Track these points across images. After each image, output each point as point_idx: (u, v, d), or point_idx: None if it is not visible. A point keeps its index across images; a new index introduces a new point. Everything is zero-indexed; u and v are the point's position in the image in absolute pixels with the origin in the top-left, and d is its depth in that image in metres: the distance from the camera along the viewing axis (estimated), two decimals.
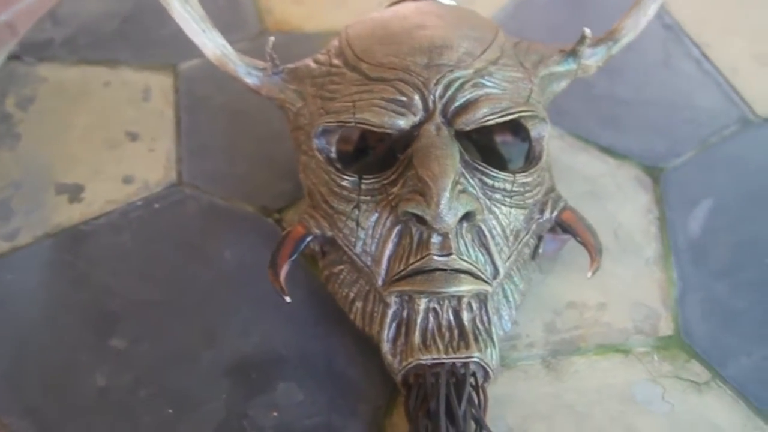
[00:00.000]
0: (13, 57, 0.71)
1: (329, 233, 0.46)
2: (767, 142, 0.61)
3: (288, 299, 0.45)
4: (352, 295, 0.47)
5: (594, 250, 0.47)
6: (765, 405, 0.46)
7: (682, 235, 0.55)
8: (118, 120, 0.64)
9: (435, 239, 0.43)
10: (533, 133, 0.47)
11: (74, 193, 0.59)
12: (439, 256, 0.43)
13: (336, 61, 0.49)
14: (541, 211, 0.48)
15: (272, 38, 0.49)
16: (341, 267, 0.47)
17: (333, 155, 0.47)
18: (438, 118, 0.44)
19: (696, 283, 0.52)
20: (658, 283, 0.52)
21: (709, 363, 0.49)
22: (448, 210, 0.41)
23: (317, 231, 0.47)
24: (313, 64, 0.51)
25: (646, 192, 0.57)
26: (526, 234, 0.47)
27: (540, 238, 0.49)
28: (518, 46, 0.51)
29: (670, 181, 0.58)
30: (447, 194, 0.41)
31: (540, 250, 0.50)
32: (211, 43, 0.49)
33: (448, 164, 0.42)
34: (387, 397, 0.47)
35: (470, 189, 0.44)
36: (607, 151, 0.60)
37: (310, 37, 0.70)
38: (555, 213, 0.48)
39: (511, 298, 0.47)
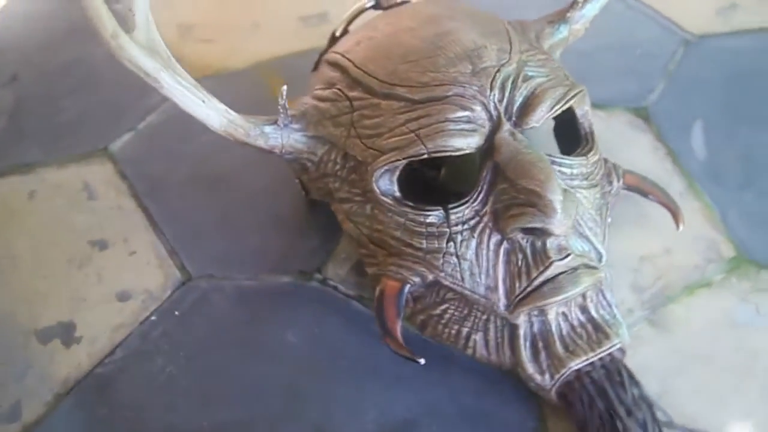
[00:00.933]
0: None
1: (429, 276, 0.42)
2: (713, 55, 0.65)
3: (422, 361, 0.41)
4: (465, 330, 0.43)
5: (673, 204, 0.47)
6: None
7: (694, 161, 0.57)
8: (70, 231, 0.54)
9: (551, 245, 0.41)
10: (578, 111, 0.46)
11: (65, 334, 0.49)
12: (560, 260, 0.41)
13: (355, 93, 0.44)
14: (610, 182, 0.47)
15: (285, 87, 0.43)
16: (444, 306, 0.43)
17: (398, 194, 0.43)
18: (506, 123, 0.41)
19: (728, 200, 0.55)
20: (700, 212, 0.54)
21: None
22: (565, 213, 0.39)
23: (415, 279, 0.42)
24: (321, 104, 0.45)
25: (644, 133, 0.59)
26: (606, 209, 0.46)
27: (609, 208, 0.49)
28: (514, 28, 0.49)
29: (658, 116, 0.60)
30: (560, 197, 0.39)
31: (609, 220, 0.49)
32: (215, 113, 0.42)
33: (547, 167, 0.40)
34: (536, 418, 0.44)
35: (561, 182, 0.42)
36: (595, 106, 0.60)
37: (240, 74, 0.63)
38: (620, 180, 0.47)
39: (606, 274, 0.46)
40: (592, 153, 0.45)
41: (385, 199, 0.42)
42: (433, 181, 0.51)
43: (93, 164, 0.57)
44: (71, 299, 0.50)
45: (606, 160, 0.48)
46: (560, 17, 0.50)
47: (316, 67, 0.53)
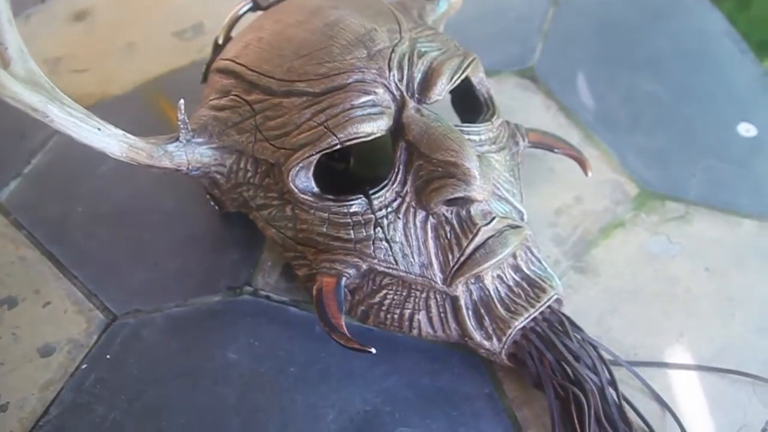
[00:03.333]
0: None
1: (364, 266, 0.42)
2: (581, 9, 0.68)
3: (373, 350, 0.40)
4: (407, 312, 0.43)
5: (578, 153, 0.49)
6: (727, 204, 0.54)
7: (585, 112, 0.60)
8: None
9: (475, 212, 0.42)
10: (474, 79, 0.47)
11: None
12: (486, 224, 0.42)
13: (253, 97, 0.43)
14: (516, 143, 0.48)
15: (182, 101, 0.41)
16: (383, 293, 0.43)
17: (316, 190, 0.42)
18: (411, 101, 0.42)
19: (622, 143, 0.58)
20: (600, 158, 0.57)
21: (677, 196, 0.55)
22: (483, 179, 0.40)
23: (350, 271, 0.42)
24: (220, 113, 0.44)
25: (534, 92, 0.61)
26: (518, 169, 0.48)
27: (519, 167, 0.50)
28: (397, 7, 0.50)
29: (544, 74, 0.62)
30: (477, 164, 0.40)
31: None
32: (113, 140, 0.40)
33: (459, 137, 0.40)
34: (490, 383, 0.45)
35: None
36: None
37: (124, 99, 0.60)
38: (525, 139, 0.49)
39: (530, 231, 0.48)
40: (495, 117, 0.46)
41: (304, 197, 0.42)
42: (344, 173, 0.51)
43: None
44: None
45: (508, 122, 0.49)
46: None
47: (205, 79, 0.51)
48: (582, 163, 0.49)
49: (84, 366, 0.46)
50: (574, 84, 0.62)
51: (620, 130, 0.59)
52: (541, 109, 0.60)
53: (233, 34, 0.52)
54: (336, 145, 0.40)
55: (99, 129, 0.39)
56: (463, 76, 0.44)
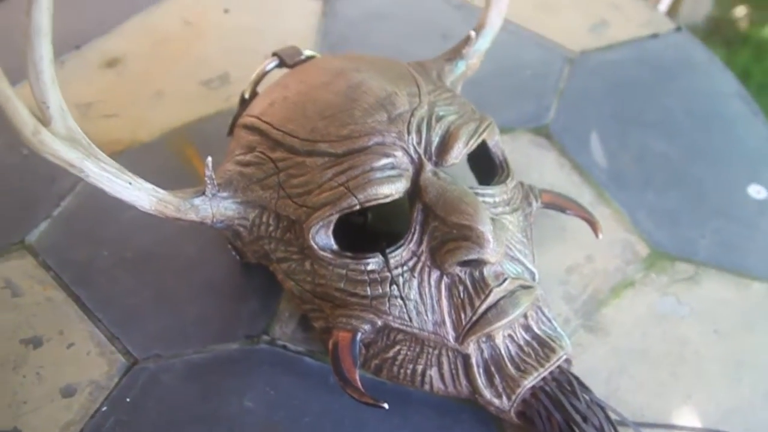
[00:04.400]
0: None
1: (379, 322, 0.43)
2: (595, 69, 0.70)
3: (386, 405, 0.42)
4: (420, 367, 0.45)
5: (590, 215, 0.51)
6: (737, 266, 0.55)
7: (597, 171, 0.61)
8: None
9: (488, 273, 0.43)
10: (490, 142, 0.49)
11: None
12: (498, 285, 0.43)
13: (277, 155, 0.45)
14: (529, 204, 0.50)
15: (210, 158, 0.43)
16: (397, 348, 0.45)
17: (335, 247, 0.44)
18: (428, 164, 0.44)
19: (633, 202, 0.59)
20: (611, 217, 0.58)
21: (687, 257, 0.56)
22: (497, 242, 0.41)
23: (365, 326, 0.43)
24: (245, 169, 0.46)
25: (548, 150, 0.63)
26: (530, 230, 0.49)
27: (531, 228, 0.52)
28: (417, 69, 0.52)
29: (558, 132, 0.64)
30: (490, 227, 0.41)
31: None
32: (143, 194, 0.42)
33: (474, 200, 0.42)
34: None
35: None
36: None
37: (152, 146, 0.62)
38: (538, 200, 0.50)
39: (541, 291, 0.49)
40: (509, 179, 0.48)
41: (324, 253, 0.43)
42: (362, 227, 0.53)
43: (12, 259, 0.55)
44: (10, 405, 0.48)
45: (522, 183, 0.51)
46: (456, 54, 0.53)
47: (231, 132, 0.53)
48: (593, 226, 0.51)
49: (104, 408, 0.47)
50: (588, 142, 0.63)
51: (632, 189, 0.60)
52: (554, 166, 0.62)
53: (259, 89, 0.55)
54: (355, 205, 0.42)
55: (130, 183, 0.41)
56: (479, 141, 0.46)
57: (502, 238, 0.42)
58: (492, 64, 0.69)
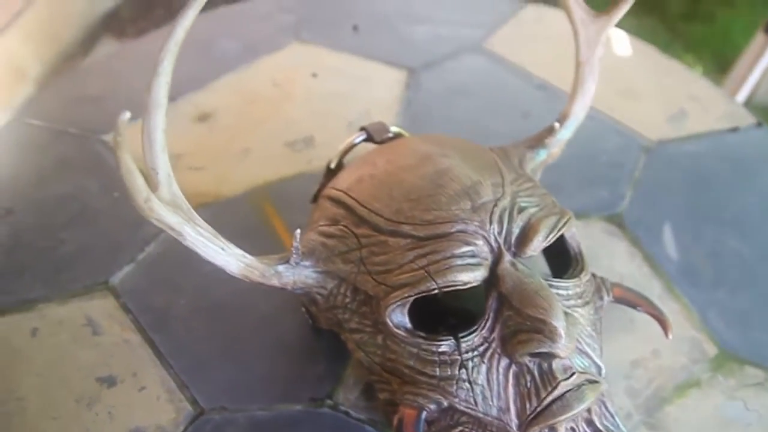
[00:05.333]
0: None
1: (445, 403, 0.44)
2: (672, 159, 0.71)
3: None
4: None
5: (661, 314, 0.51)
6: None
7: (669, 264, 0.61)
8: (76, 369, 0.54)
9: (557, 366, 0.43)
10: (567, 234, 0.50)
11: None
12: (565, 379, 0.43)
13: (362, 231, 0.47)
14: (600, 297, 0.50)
15: (299, 230, 0.45)
16: (459, 429, 0.45)
17: (409, 326, 0.45)
18: (507, 255, 0.45)
19: (704, 300, 0.59)
20: (680, 313, 0.58)
21: (757, 361, 0.55)
22: (569, 337, 0.42)
23: (431, 406, 0.44)
24: (329, 240, 0.48)
25: (620, 239, 0.63)
26: (600, 323, 0.49)
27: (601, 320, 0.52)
28: (501, 156, 0.53)
29: (631, 221, 0.64)
30: (563, 323, 0.42)
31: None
32: (233, 259, 0.44)
33: (550, 294, 0.43)
34: None
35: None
36: None
37: (233, 201, 0.65)
38: (610, 294, 0.51)
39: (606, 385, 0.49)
40: (583, 273, 0.49)
41: (398, 331, 0.45)
42: (431, 300, 0.54)
43: (95, 298, 0.58)
44: None
45: (594, 276, 0.51)
46: (539, 143, 0.55)
47: (315, 200, 0.55)
48: (663, 324, 0.50)
49: None
50: (660, 234, 0.64)
51: (703, 285, 0.60)
52: (625, 256, 0.62)
53: (346, 160, 0.57)
54: (434, 289, 0.43)
55: (223, 249, 0.43)
56: (558, 235, 0.47)
57: (574, 332, 0.43)
58: (569, 148, 0.70)
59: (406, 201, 0.46)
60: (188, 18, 0.42)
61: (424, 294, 0.44)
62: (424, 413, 0.44)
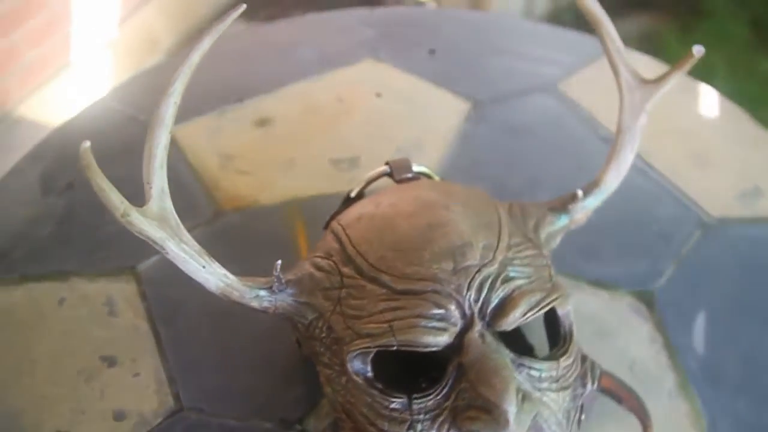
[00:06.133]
0: None
1: None
2: (730, 243, 0.65)
3: None
4: None
5: (644, 416, 0.48)
6: None
7: (692, 358, 0.57)
8: (87, 343, 0.58)
9: None
10: (560, 312, 0.48)
11: None
12: None
13: (346, 270, 0.47)
14: (583, 384, 0.48)
15: (279, 262, 0.46)
16: None
17: (370, 374, 0.45)
18: (478, 324, 0.43)
19: (720, 407, 0.54)
20: (687, 417, 0.54)
21: None
22: (518, 425, 0.40)
23: None
24: (317, 273, 0.49)
25: (645, 320, 0.59)
26: (575, 412, 0.47)
27: (581, 408, 0.49)
28: (513, 214, 0.52)
29: (663, 303, 0.60)
30: (514, 409, 0.40)
31: (583, 417, 0.50)
32: (213, 277, 0.46)
33: (508, 376, 0.41)
34: None
35: (524, 387, 0.43)
36: (598, 284, 0.61)
37: (268, 210, 0.67)
38: (595, 383, 0.48)
39: None
40: (565, 357, 0.46)
41: (356, 378, 0.45)
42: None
43: (120, 281, 0.62)
44: (73, 410, 0.54)
45: (585, 359, 0.49)
46: (561, 207, 0.52)
47: (326, 226, 0.56)
48: (644, 427, 0.47)
49: None
50: (692, 323, 0.59)
51: (724, 390, 0.55)
52: (645, 339, 0.58)
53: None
54: (393, 346, 0.43)
55: (204, 267, 0.45)
56: (539, 313, 0.45)
57: (527, 420, 0.41)
58: (616, 209, 0.66)
59: (393, 250, 0.46)
60: (204, 46, 0.44)
61: (383, 348, 0.43)
62: None
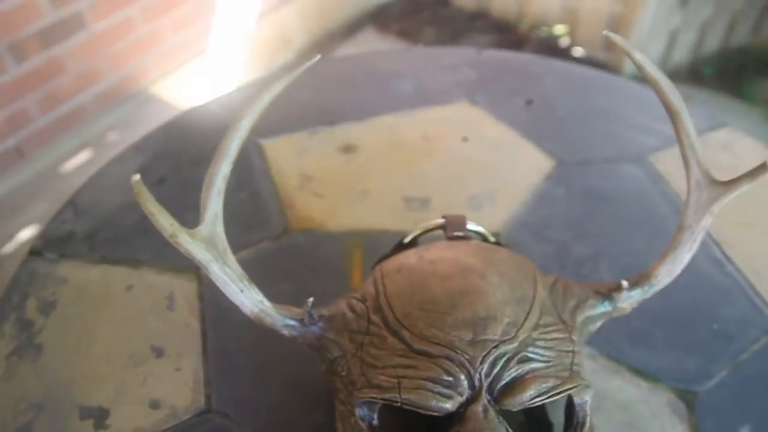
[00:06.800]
0: (35, 252, 0.71)
1: None
2: None
3: None
4: None
5: None
6: None
7: None
8: (142, 331, 0.63)
9: None
10: (576, 400, 0.47)
11: (99, 418, 0.57)
12: None
13: (375, 318, 0.49)
14: None
15: (311, 299, 0.49)
16: None
17: (375, 422, 0.46)
18: (484, 398, 0.44)
19: None
20: None
21: None
22: None
23: None
24: (349, 313, 0.51)
25: (681, 421, 0.57)
26: None
27: None
28: (555, 291, 0.51)
29: (705, 406, 0.58)
30: None
31: None
32: (249, 302, 0.49)
33: None
34: None
35: None
36: (640, 373, 0.60)
37: (332, 236, 0.70)
38: None
39: None
40: None
41: (361, 423, 0.46)
42: None
43: (183, 279, 0.67)
44: (116, 391, 0.59)
45: None
46: (607, 292, 0.52)
47: (374, 267, 0.58)
48: None
49: None
50: None
51: None
52: None
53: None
54: (396, 402, 0.44)
55: (242, 291, 0.48)
56: (549, 400, 0.44)
57: None
58: (679, 297, 0.65)
59: (419, 309, 0.47)
60: (276, 90, 0.47)
61: (388, 402, 0.45)
62: None
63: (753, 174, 0.48)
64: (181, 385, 0.59)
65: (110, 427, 0.57)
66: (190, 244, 0.46)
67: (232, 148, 0.47)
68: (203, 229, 0.47)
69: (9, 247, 1.39)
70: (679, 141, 0.51)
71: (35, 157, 1.53)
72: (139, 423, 0.57)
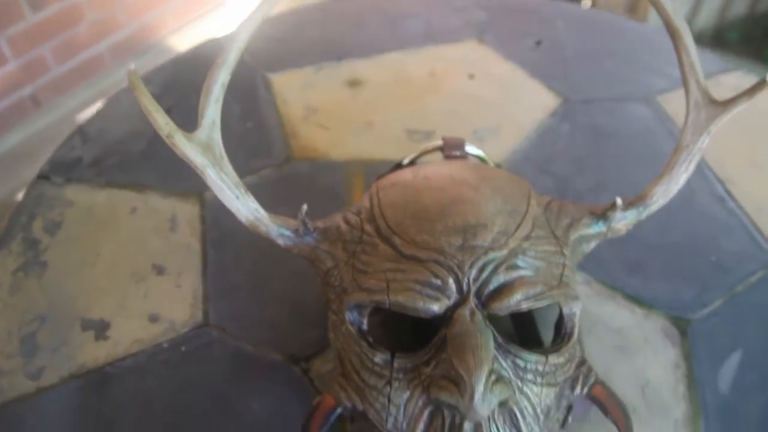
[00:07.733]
0: (43, 176, 0.72)
1: (360, 407, 0.46)
2: None
3: None
4: None
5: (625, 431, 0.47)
6: None
7: (712, 394, 0.54)
8: (144, 251, 0.65)
9: (467, 426, 0.43)
10: (565, 310, 0.47)
11: (100, 330, 0.59)
12: None
13: (368, 228, 0.49)
14: (572, 387, 0.47)
15: (305, 207, 0.49)
16: None
17: (365, 327, 0.47)
18: (472, 302, 0.44)
19: None
20: None
21: None
22: (482, 403, 0.41)
23: (348, 404, 0.47)
24: (343, 225, 0.51)
25: (674, 346, 0.57)
26: (557, 410, 0.47)
27: (569, 409, 0.49)
28: (549, 209, 0.51)
29: (698, 333, 0.58)
30: (481, 388, 0.41)
31: (569, 420, 0.49)
32: (244, 209, 0.50)
33: (483, 356, 0.42)
34: None
35: (503, 372, 0.44)
36: (634, 300, 0.60)
37: (335, 165, 0.71)
38: (586, 389, 0.48)
39: None
40: (555, 355, 0.46)
41: (351, 328, 0.47)
42: None
43: (187, 202, 0.68)
44: (117, 305, 0.61)
45: (582, 364, 0.48)
46: (601, 213, 0.52)
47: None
48: None
49: (164, 345, 0.57)
50: (723, 361, 0.56)
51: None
52: (668, 364, 0.56)
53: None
54: (385, 304, 0.45)
55: (237, 197, 0.49)
56: (536, 305, 0.45)
57: (492, 401, 0.42)
58: (678, 232, 0.64)
59: (411, 217, 0.48)
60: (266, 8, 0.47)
61: (377, 305, 0.45)
62: (340, 409, 0.47)
63: (751, 91, 0.47)
64: (180, 300, 0.61)
65: (110, 338, 0.58)
66: (186, 146, 0.47)
67: (230, 58, 0.47)
68: (200, 134, 0.48)
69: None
70: (679, 60, 0.50)
71: (51, 106, 1.55)
72: (138, 335, 0.58)
